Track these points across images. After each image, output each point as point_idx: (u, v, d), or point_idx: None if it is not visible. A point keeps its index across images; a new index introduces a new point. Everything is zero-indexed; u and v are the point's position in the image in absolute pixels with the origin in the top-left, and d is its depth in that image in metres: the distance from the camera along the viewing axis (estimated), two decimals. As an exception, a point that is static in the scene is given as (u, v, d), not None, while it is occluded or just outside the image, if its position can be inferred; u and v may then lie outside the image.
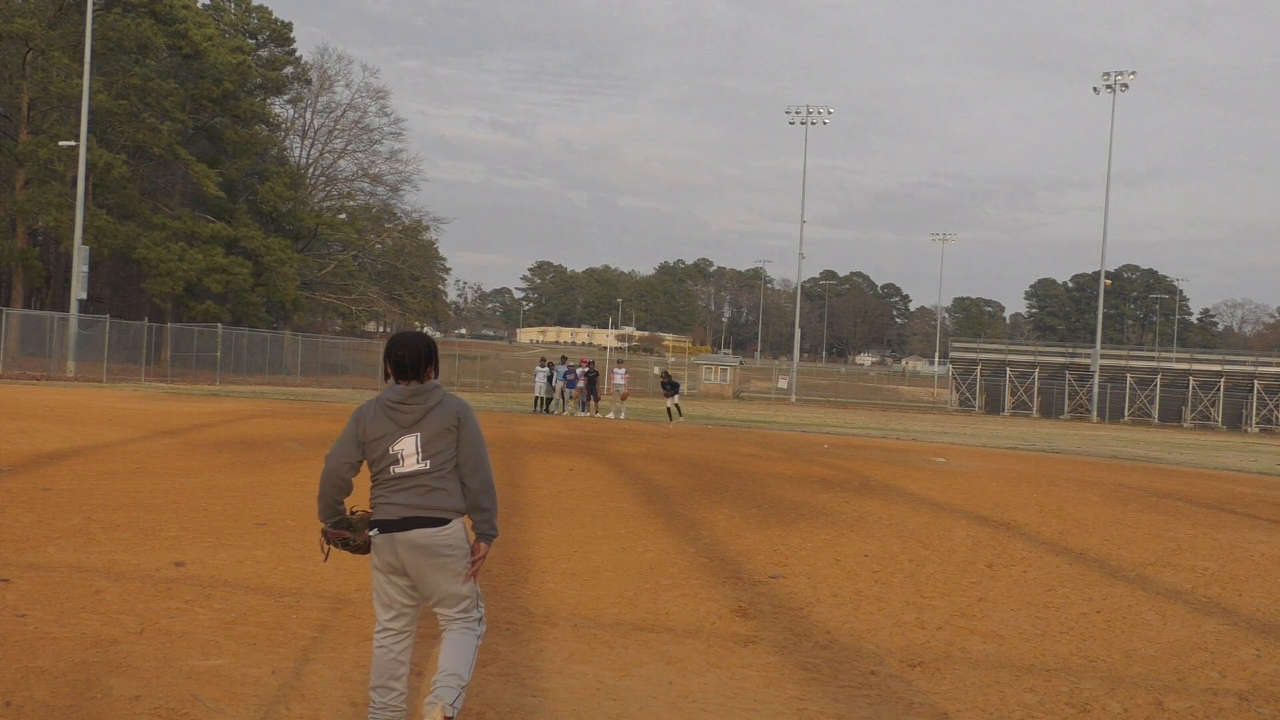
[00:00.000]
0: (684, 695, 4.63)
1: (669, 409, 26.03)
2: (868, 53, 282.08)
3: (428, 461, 3.74)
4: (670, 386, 27.14)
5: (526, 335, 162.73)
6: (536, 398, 32.06)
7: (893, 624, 6.22)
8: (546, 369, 32.50)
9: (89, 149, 40.80)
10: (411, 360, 3.79)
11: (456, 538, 3.75)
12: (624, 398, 32.34)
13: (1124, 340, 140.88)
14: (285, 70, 64.01)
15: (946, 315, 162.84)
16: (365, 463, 3.85)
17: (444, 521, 3.72)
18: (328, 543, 3.97)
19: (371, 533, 3.77)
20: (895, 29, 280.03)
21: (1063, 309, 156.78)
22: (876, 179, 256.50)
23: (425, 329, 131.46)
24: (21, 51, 46.65)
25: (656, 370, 29.11)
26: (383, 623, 3.83)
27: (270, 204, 56.97)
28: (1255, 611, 7.19)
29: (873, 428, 33.23)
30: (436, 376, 3.89)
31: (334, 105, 67.18)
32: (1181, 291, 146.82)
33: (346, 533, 3.92)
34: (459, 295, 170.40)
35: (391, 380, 3.85)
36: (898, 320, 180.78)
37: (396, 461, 3.74)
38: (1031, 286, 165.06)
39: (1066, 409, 64.19)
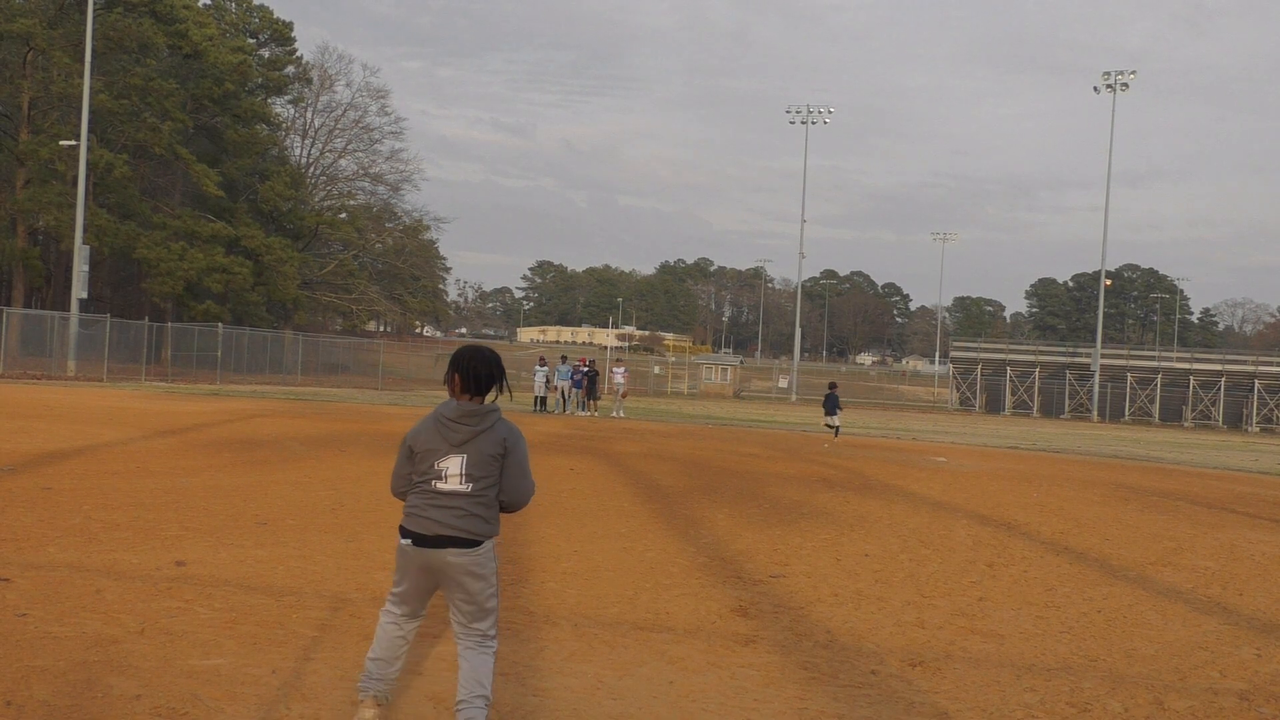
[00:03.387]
0: (684, 695, 4.63)
1: (836, 427, 22.49)
2: (869, 53, 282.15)
3: (470, 485, 3.79)
4: (832, 400, 22.83)
5: (527, 335, 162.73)
6: (536, 397, 32.11)
7: (893, 623, 6.22)
8: (545, 369, 32.55)
9: (89, 148, 40.81)
10: (485, 375, 3.86)
11: (486, 557, 3.82)
12: (623, 395, 32.36)
13: (1124, 340, 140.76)
14: (286, 70, 63.97)
15: (947, 315, 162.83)
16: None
17: (476, 544, 3.79)
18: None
19: (405, 542, 3.83)
20: (896, 30, 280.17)
21: (1063, 308, 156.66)
22: (877, 179, 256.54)
23: (425, 328, 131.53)
24: (22, 51, 46.65)
25: (831, 386, 24.06)
26: (391, 607, 3.93)
27: (271, 203, 56.97)
28: (1256, 611, 7.19)
29: (873, 427, 33.22)
30: (499, 395, 3.95)
31: (335, 105, 67.23)
32: (1182, 291, 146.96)
33: None
34: (459, 295, 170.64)
35: (454, 392, 3.88)
36: (898, 320, 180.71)
37: (440, 477, 3.80)
38: (1032, 286, 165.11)
39: (1067, 408, 64.20)
